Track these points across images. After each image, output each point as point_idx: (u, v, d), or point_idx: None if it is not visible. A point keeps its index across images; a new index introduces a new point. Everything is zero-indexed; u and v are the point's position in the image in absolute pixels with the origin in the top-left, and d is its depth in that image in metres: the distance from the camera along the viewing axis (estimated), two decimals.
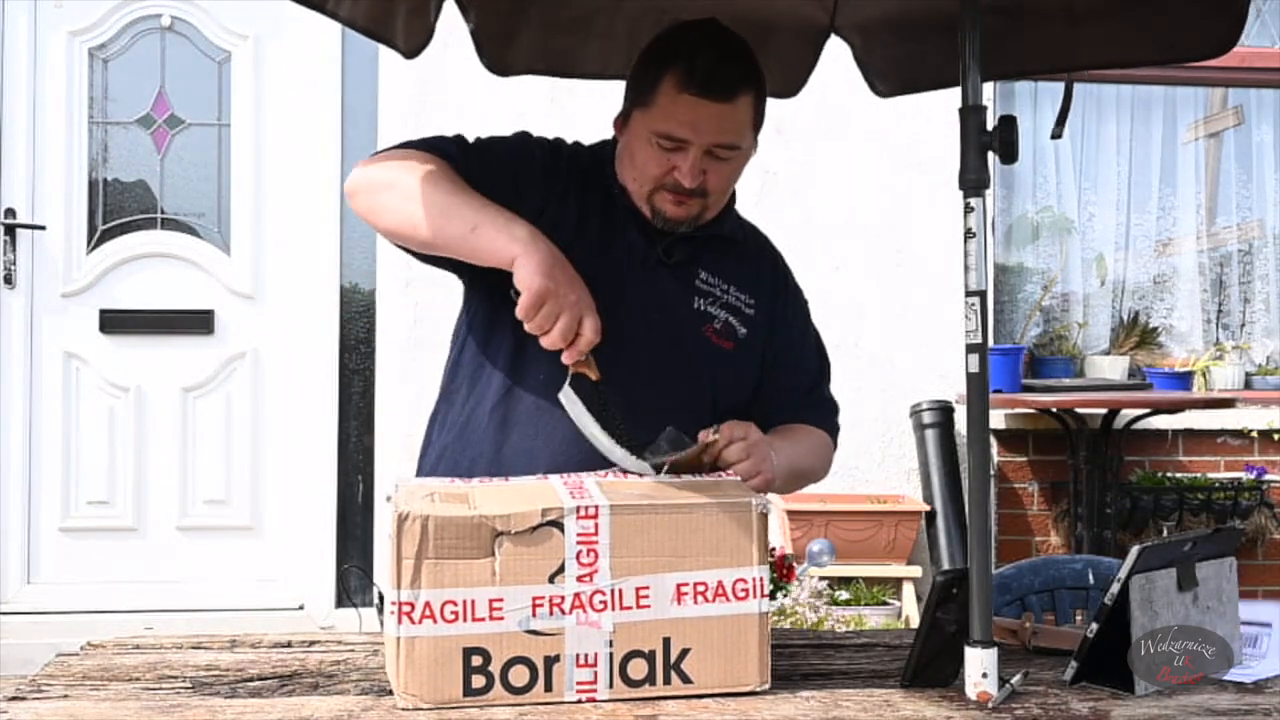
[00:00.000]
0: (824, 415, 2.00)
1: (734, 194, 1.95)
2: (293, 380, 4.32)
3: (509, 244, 1.65)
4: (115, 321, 4.27)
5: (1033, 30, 2.08)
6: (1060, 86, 4.72)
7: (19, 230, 4.23)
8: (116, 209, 4.33)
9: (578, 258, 1.72)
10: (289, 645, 1.70)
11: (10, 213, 4.23)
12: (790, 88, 2.36)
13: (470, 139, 1.88)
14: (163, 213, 4.34)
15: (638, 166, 1.81)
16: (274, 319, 4.33)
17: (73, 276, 4.27)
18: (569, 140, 1.97)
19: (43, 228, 4.25)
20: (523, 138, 1.91)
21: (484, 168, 1.80)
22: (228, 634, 1.76)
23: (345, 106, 4.32)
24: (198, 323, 4.29)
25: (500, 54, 2.21)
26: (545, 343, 1.64)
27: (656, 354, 1.82)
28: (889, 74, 2.33)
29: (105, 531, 4.27)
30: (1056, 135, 1.87)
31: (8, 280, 4.23)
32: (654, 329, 1.82)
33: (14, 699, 1.44)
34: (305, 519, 4.30)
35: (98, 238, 4.29)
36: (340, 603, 4.30)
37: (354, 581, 4.33)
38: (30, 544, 4.25)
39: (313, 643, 1.72)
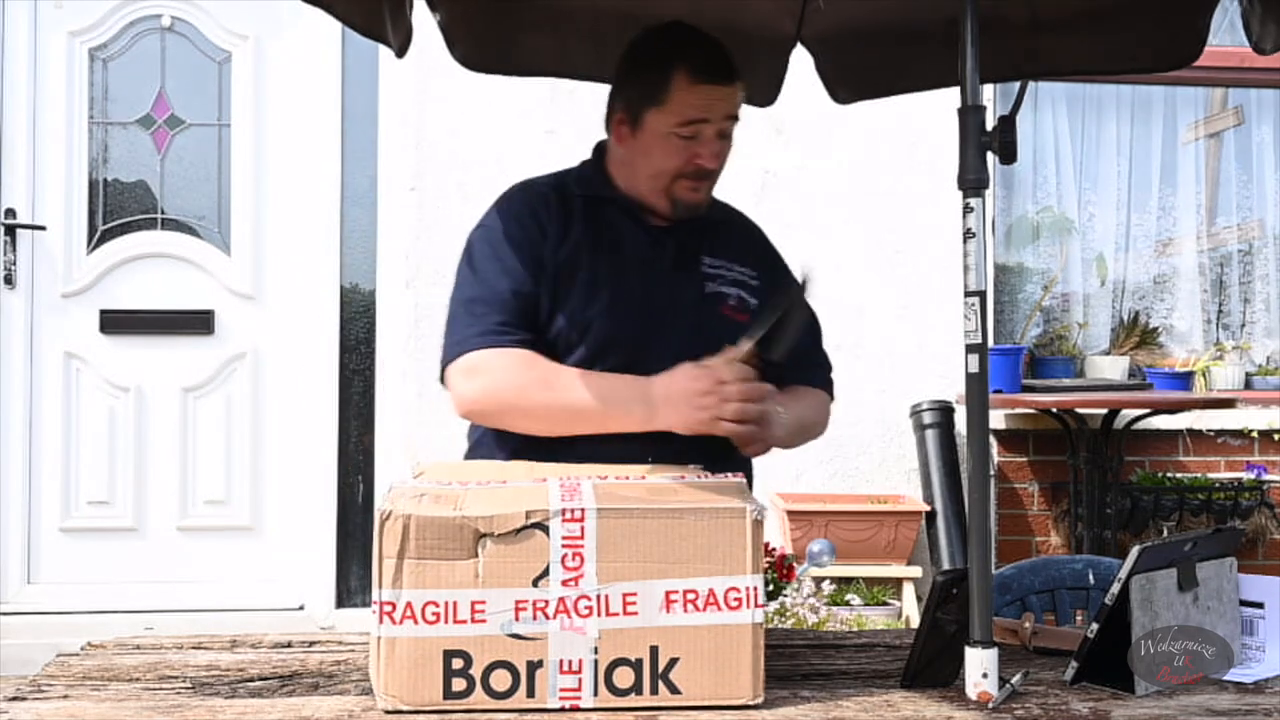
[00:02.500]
0: (822, 375, 2.14)
1: None
2: (293, 380, 4.32)
3: (642, 421, 1.79)
4: (115, 321, 4.27)
5: (999, 37, 2.09)
6: (1064, 88, 4.67)
7: (19, 230, 4.23)
8: (117, 209, 4.33)
9: (595, 278, 1.91)
10: (289, 645, 1.70)
11: (10, 213, 4.23)
12: (766, 97, 2.39)
13: (495, 286, 1.90)
14: (163, 213, 4.34)
15: (655, 163, 1.93)
16: (274, 319, 4.33)
17: (73, 276, 4.27)
18: (549, 171, 2.08)
19: (43, 228, 4.25)
20: (517, 224, 1.96)
21: (528, 296, 1.89)
22: (228, 634, 1.76)
23: (345, 106, 4.32)
24: (198, 323, 4.29)
25: (470, 50, 2.23)
26: (749, 414, 1.76)
27: (684, 346, 1.89)
28: (850, 81, 2.37)
29: (105, 531, 4.26)
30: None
31: (8, 280, 4.23)
32: (677, 322, 1.94)
33: (14, 699, 1.44)
34: (305, 519, 4.30)
35: (98, 238, 4.29)
36: (340, 603, 4.30)
37: (354, 581, 4.33)
38: (30, 544, 4.25)
39: (313, 643, 1.72)
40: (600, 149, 2.07)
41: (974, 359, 1.49)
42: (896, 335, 4.38)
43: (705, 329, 1.93)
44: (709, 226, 2.03)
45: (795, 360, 2.02)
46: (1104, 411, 4.18)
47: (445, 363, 1.89)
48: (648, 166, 1.95)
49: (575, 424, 1.82)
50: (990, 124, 1.50)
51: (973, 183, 1.50)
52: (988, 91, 4.10)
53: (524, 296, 1.89)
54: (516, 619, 1.39)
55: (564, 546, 1.40)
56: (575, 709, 1.40)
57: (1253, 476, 4.40)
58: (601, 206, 2.00)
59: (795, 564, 3.89)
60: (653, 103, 1.92)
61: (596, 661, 1.40)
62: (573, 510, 1.40)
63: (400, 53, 2.03)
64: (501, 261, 1.92)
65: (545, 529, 1.40)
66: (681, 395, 1.77)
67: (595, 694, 1.40)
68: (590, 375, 1.85)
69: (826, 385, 2.14)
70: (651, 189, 1.96)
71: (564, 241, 1.94)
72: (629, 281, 1.94)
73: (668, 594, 1.41)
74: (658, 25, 1.99)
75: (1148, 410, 4.19)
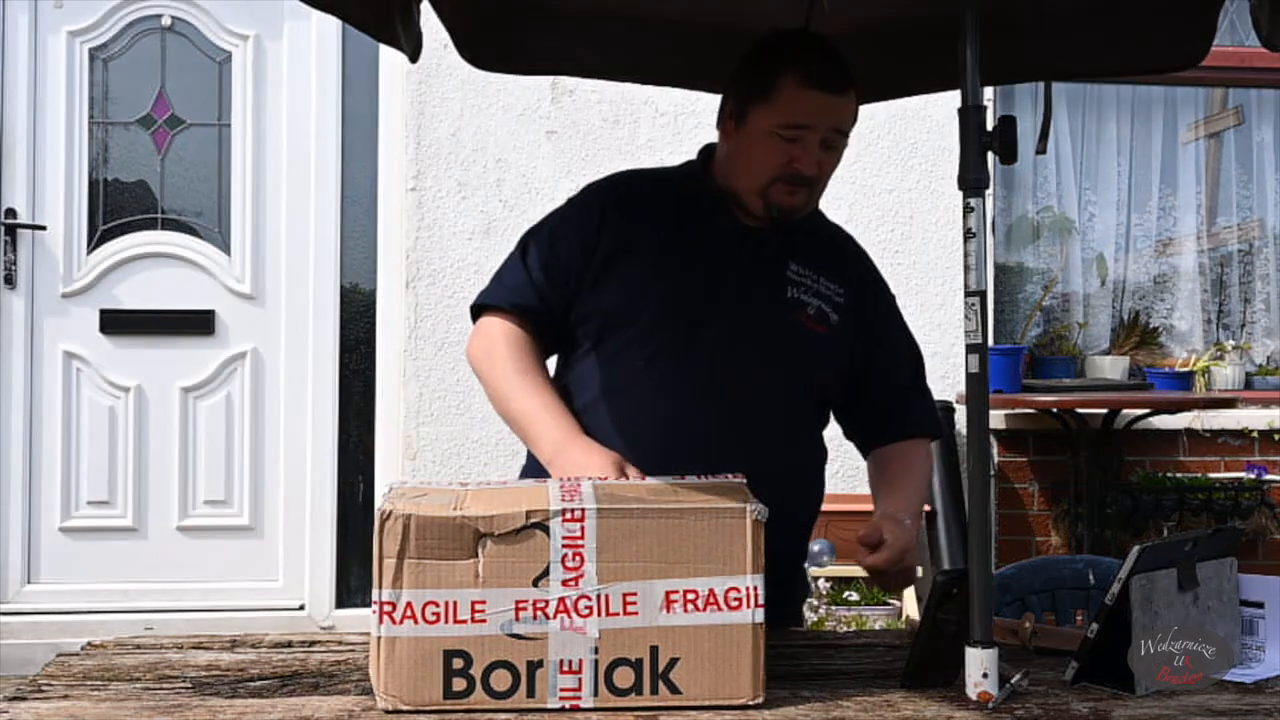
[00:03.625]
0: (926, 409, 2.16)
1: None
2: (293, 380, 4.32)
3: (544, 456, 1.83)
4: (115, 321, 4.27)
5: (1004, 40, 2.09)
6: (1064, 88, 4.66)
7: (19, 230, 4.23)
8: (117, 209, 4.33)
9: (668, 263, 1.93)
10: (289, 645, 1.70)
11: (11, 213, 4.23)
12: None
13: (535, 259, 1.98)
14: (163, 213, 4.34)
15: (756, 161, 1.93)
16: (274, 319, 4.33)
17: (73, 276, 4.27)
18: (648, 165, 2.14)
19: (43, 228, 4.25)
20: (578, 210, 2.02)
21: (560, 270, 1.96)
22: (228, 634, 1.76)
23: (345, 106, 4.32)
24: (198, 323, 4.29)
25: (476, 49, 2.23)
26: None
27: (756, 343, 1.93)
28: (859, 83, 2.35)
29: (105, 531, 4.26)
30: (1040, 151, 1.93)
31: (8, 280, 4.23)
32: (742, 318, 1.93)
33: (14, 699, 1.44)
34: (305, 519, 4.30)
35: (98, 238, 4.29)
36: (340, 603, 4.31)
37: (354, 581, 4.34)
38: (30, 544, 4.25)
39: (313, 643, 1.72)
40: (707, 151, 2.08)
41: (974, 359, 1.49)
42: None
43: (774, 331, 1.95)
44: (804, 235, 2.02)
45: (893, 390, 2.10)
46: (1104, 411, 4.18)
47: (473, 305, 2.03)
48: (748, 164, 1.94)
49: (508, 422, 1.93)
50: (991, 124, 1.50)
51: (973, 182, 1.50)
52: (987, 91, 4.10)
53: (556, 268, 1.96)
54: (516, 619, 1.39)
55: (564, 546, 1.39)
56: (575, 709, 1.40)
57: (1253, 476, 4.40)
58: (693, 199, 2.01)
59: None
60: (759, 100, 1.92)
61: (596, 661, 1.40)
62: (573, 510, 1.40)
63: (414, 57, 2.03)
64: (552, 237, 1.99)
65: (545, 529, 1.39)
66: (582, 465, 1.75)
67: (595, 694, 1.40)
68: (545, 394, 1.89)
69: (930, 425, 2.15)
70: (749, 188, 1.95)
71: (633, 223, 1.96)
72: (697, 268, 1.94)
73: (668, 594, 1.41)
74: (783, 30, 2.01)
75: (1148, 410, 4.19)
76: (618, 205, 1.99)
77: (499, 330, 1.96)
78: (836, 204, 4.44)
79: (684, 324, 1.91)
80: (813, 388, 2.01)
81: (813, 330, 1.97)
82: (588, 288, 1.95)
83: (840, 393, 2.07)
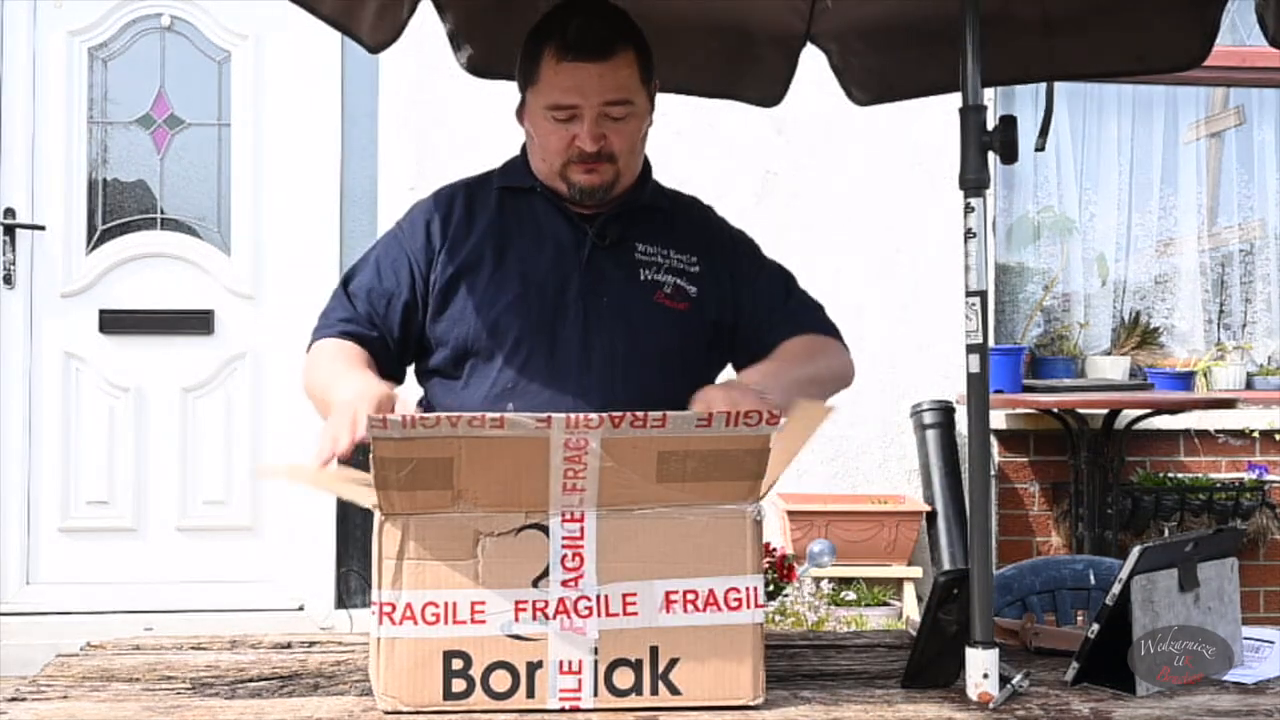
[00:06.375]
0: (809, 317, 2.02)
1: (648, 162, 1.99)
2: (293, 380, 4.28)
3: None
4: (115, 321, 4.27)
5: (1008, 40, 2.09)
6: (1065, 88, 4.67)
7: (19, 230, 4.23)
8: (116, 209, 4.32)
9: (511, 273, 1.86)
10: (289, 646, 1.70)
11: (10, 213, 4.23)
12: (772, 96, 2.37)
13: (356, 282, 1.93)
14: (163, 213, 4.34)
15: (542, 147, 1.88)
16: (274, 319, 4.32)
17: (73, 276, 4.27)
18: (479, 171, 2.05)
19: (42, 228, 4.25)
20: (405, 236, 1.94)
21: (382, 295, 1.90)
22: (228, 635, 1.75)
23: (345, 106, 4.32)
24: (198, 323, 4.29)
25: (476, 56, 2.22)
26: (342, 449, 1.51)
27: (617, 335, 1.87)
28: (866, 82, 2.36)
29: (105, 532, 4.26)
30: (1039, 148, 1.92)
31: (8, 280, 4.23)
32: (607, 312, 1.88)
33: (14, 699, 1.44)
34: (305, 519, 4.30)
35: (97, 238, 4.29)
36: (340, 603, 4.30)
37: (354, 583, 4.33)
38: (30, 544, 4.25)
39: (313, 643, 1.72)
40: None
41: (974, 359, 1.48)
42: (897, 335, 4.38)
43: (637, 317, 1.89)
44: (642, 212, 1.95)
45: (774, 317, 1.98)
46: (1105, 412, 4.18)
47: (308, 348, 1.93)
48: (540, 151, 1.89)
49: (321, 408, 1.73)
50: (991, 123, 1.50)
51: (973, 182, 1.50)
52: (988, 91, 4.10)
53: (380, 297, 1.90)
54: (516, 619, 1.39)
55: (564, 547, 1.39)
56: (575, 709, 1.39)
57: (1254, 477, 4.40)
58: (521, 196, 1.94)
59: (795, 564, 3.88)
60: (529, 83, 1.85)
61: (596, 662, 1.40)
62: (572, 510, 1.40)
63: (375, 49, 2.02)
64: (377, 265, 1.93)
65: (545, 529, 1.39)
66: (351, 401, 1.58)
67: (595, 694, 1.40)
68: (352, 369, 1.77)
69: (819, 325, 2.02)
70: (548, 174, 1.89)
71: (467, 239, 1.90)
72: (541, 271, 1.88)
73: (668, 594, 1.41)
74: (562, 2, 1.88)
75: (1149, 410, 4.19)
76: (447, 224, 1.92)
77: (319, 347, 1.88)
78: (837, 203, 4.44)
79: (543, 333, 1.85)
80: (681, 369, 1.91)
81: (673, 309, 1.90)
82: (431, 318, 1.89)
83: (719, 353, 1.99)
